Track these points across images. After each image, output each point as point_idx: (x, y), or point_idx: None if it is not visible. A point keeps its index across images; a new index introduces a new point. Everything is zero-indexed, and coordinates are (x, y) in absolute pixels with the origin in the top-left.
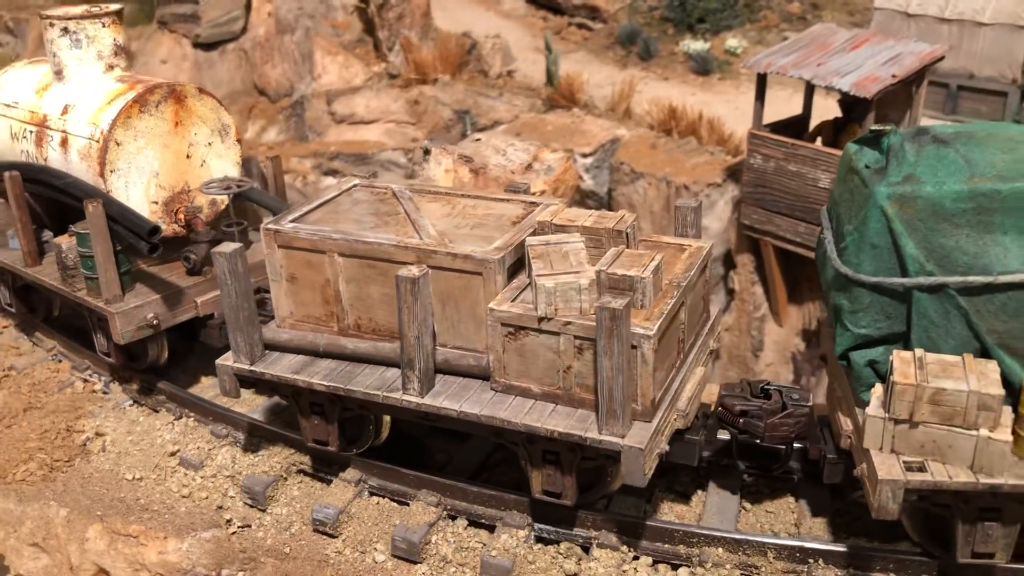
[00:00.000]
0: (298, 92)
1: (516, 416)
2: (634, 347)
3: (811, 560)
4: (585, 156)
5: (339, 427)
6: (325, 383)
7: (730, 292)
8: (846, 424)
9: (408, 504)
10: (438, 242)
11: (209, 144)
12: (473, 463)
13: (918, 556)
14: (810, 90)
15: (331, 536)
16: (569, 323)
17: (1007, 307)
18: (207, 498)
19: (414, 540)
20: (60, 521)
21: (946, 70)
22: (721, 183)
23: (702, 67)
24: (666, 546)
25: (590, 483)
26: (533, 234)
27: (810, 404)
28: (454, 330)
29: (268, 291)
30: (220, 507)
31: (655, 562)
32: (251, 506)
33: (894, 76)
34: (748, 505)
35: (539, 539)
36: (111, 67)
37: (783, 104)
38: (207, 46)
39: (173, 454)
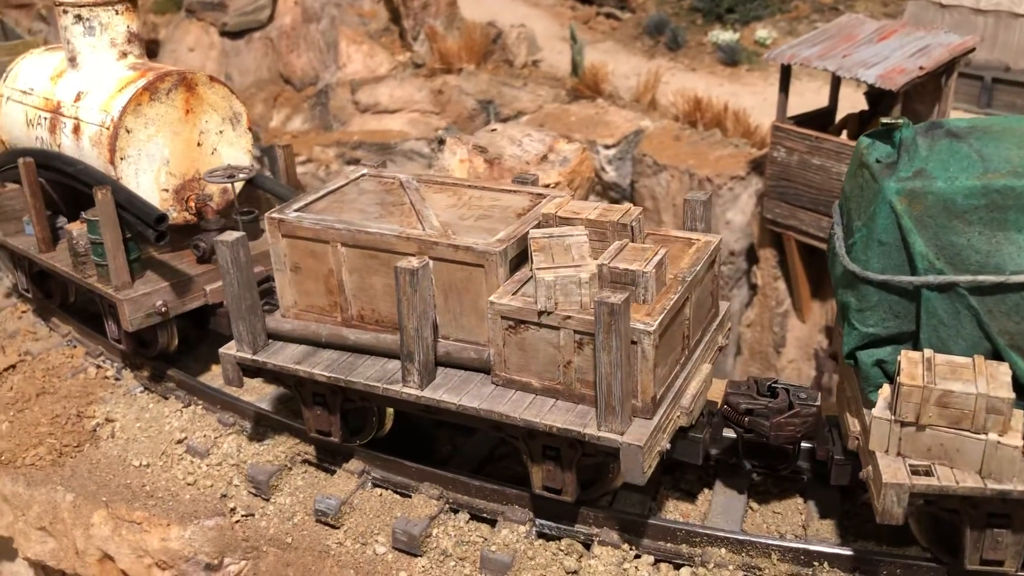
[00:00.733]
0: (323, 81)
1: (515, 411)
2: (634, 343)
3: (816, 563)
4: (608, 147)
5: (342, 418)
6: (326, 374)
7: (753, 287)
8: (854, 425)
9: (410, 496)
10: (440, 233)
11: (220, 132)
12: (477, 457)
13: (926, 562)
14: (836, 82)
15: (333, 527)
16: (569, 317)
17: (1020, 307)
18: (212, 486)
19: (415, 533)
20: (67, 506)
21: (980, 62)
22: (745, 176)
23: (730, 58)
24: (668, 545)
25: (592, 479)
26: (537, 226)
27: (817, 404)
28: (456, 323)
29: None
30: (224, 495)
31: (657, 561)
32: (255, 495)
33: (921, 68)
34: (755, 505)
35: (540, 535)
36: (124, 54)
37: (813, 96)
38: (234, 34)
39: (180, 441)
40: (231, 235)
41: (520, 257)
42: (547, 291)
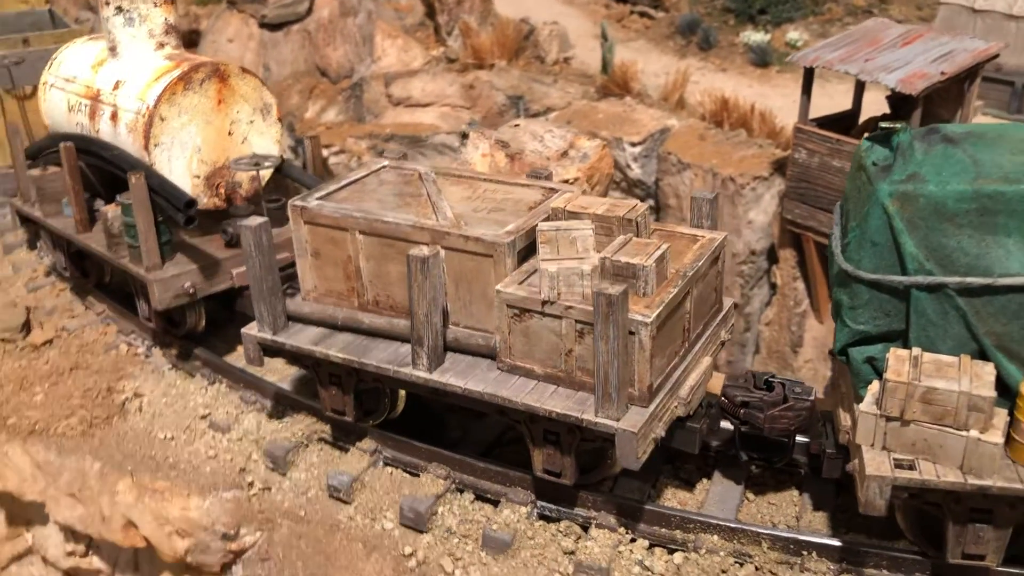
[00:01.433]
0: (358, 74)
1: (517, 395)
2: (632, 333)
3: (805, 552)
4: (634, 145)
5: (355, 398)
6: (341, 355)
7: (773, 286)
8: (846, 420)
9: (419, 476)
10: (453, 224)
11: (251, 122)
12: (486, 441)
13: (913, 555)
14: (860, 85)
15: (344, 502)
16: (571, 307)
17: (1007, 310)
18: (232, 460)
19: (421, 510)
20: (94, 474)
21: (1012, 68)
22: (768, 177)
23: (761, 59)
24: (663, 530)
25: (591, 464)
26: (547, 220)
27: (811, 398)
28: (466, 310)
29: None
30: (243, 469)
31: (652, 545)
32: (272, 470)
33: (943, 73)
34: (752, 496)
35: (541, 516)
36: (161, 45)
37: (843, 98)
38: (273, 26)
39: (204, 417)
40: (254, 220)
41: (529, 249)
42: (551, 281)
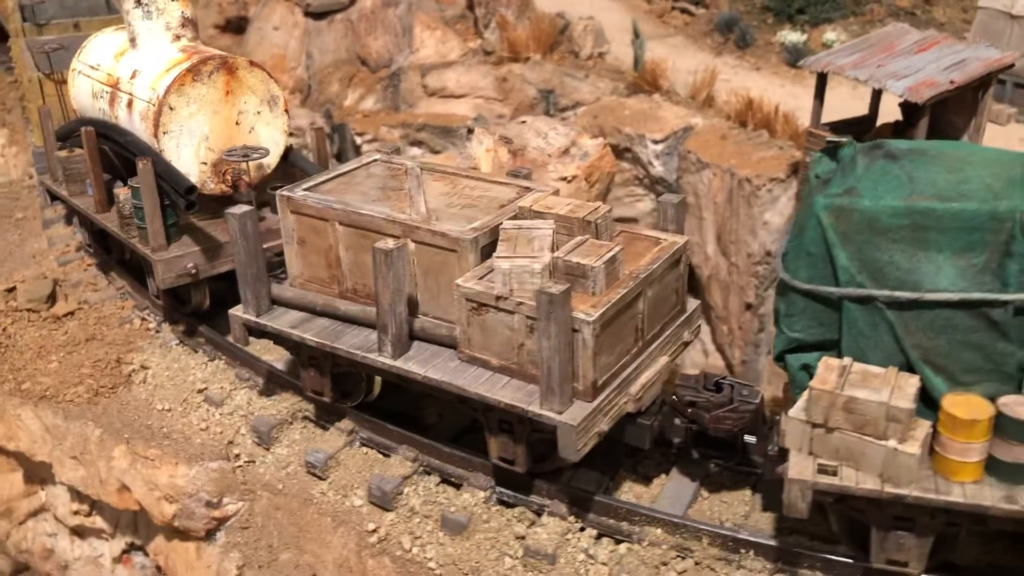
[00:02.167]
0: (396, 64)
1: (471, 385)
2: (576, 331)
3: (743, 551)
4: (656, 142)
5: (333, 380)
6: (315, 339)
7: None
8: (785, 424)
9: (390, 457)
10: (424, 219)
11: (258, 113)
12: (459, 426)
13: (845, 558)
14: (878, 90)
15: (320, 478)
16: (522, 303)
17: (934, 324)
18: (221, 433)
19: (387, 490)
20: (95, 440)
21: None
22: (784, 179)
23: (795, 59)
24: (611, 521)
25: (546, 454)
26: (513, 218)
27: (756, 401)
28: (434, 301)
29: None
30: (231, 442)
31: (600, 535)
32: (258, 444)
33: (952, 82)
34: (706, 493)
35: (500, 501)
36: (177, 37)
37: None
38: (317, 15)
39: (201, 391)
40: (239, 208)
41: (493, 245)
42: (503, 278)
